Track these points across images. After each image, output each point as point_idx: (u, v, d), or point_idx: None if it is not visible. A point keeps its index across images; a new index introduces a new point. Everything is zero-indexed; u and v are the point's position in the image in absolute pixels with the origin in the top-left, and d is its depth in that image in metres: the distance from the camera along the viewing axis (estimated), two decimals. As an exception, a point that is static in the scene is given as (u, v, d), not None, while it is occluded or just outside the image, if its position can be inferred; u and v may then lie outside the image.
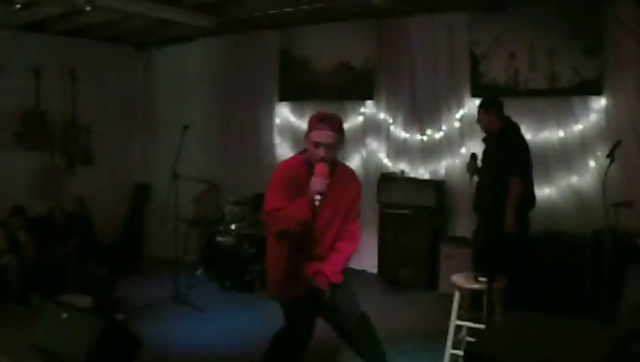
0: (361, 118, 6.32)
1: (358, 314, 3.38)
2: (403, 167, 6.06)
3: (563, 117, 5.17)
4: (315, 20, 6.22)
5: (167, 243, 5.86)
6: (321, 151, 2.98)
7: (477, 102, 5.52)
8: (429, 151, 5.92)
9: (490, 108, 4.58)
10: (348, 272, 3.31)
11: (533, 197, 4.57)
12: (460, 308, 3.84)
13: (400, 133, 6.10)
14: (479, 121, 4.67)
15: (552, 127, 5.22)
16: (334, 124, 3.04)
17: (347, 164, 3.77)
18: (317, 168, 2.95)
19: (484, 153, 4.69)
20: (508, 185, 4.34)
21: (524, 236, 4.49)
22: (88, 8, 5.06)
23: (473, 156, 4.65)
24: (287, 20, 6.24)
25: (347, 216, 3.22)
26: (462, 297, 3.85)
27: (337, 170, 3.18)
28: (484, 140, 4.72)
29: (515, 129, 4.58)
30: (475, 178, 4.64)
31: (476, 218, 4.80)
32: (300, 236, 3.07)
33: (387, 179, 5.93)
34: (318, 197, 2.91)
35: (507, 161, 4.39)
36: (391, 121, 6.14)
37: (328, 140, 2.99)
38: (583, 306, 4.56)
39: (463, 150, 5.68)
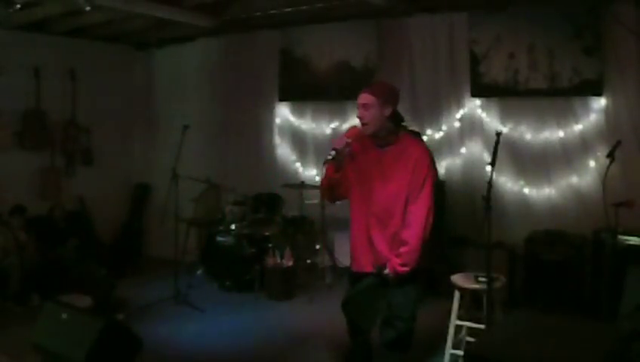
0: (361, 118, 6.32)
1: (405, 323, 3.18)
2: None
3: (563, 117, 5.17)
4: (315, 20, 6.21)
5: (167, 243, 5.86)
6: (359, 112, 3.09)
7: (477, 102, 5.56)
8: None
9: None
10: (416, 277, 3.13)
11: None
12: (460, 308, 3.84)
13: (400, 133, 6.09)
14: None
15: (552, 127, 5.22)
16: (373, 88, 3.13)
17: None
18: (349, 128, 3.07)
19: None
20: None
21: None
22: (88, 8, 5.05)
23: None
24: (287, 20, 6.24)
25: (410, 192, 3.06)
26: (462, 297, 3.85)
27: (399, 141, 3.14)
28: None
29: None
30: None
31: None
32: (358, 211, 3.18)
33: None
34: (332, 152, 3.01)
35: None
36: (391, 121, 6.14)
37: (363, 101, 3.07)
38: (583, 306, 4.56)
39: (463, 150, 5.68)
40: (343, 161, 3.10)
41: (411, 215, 3.06)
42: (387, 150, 3.14)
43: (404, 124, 3.26)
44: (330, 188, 3.23)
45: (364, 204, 3.18)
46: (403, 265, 3.03)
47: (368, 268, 3.17)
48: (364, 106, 3.07)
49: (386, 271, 3.06)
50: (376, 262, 3.13)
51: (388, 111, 3.07)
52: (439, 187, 5.69)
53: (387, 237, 3.13)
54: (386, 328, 3.23)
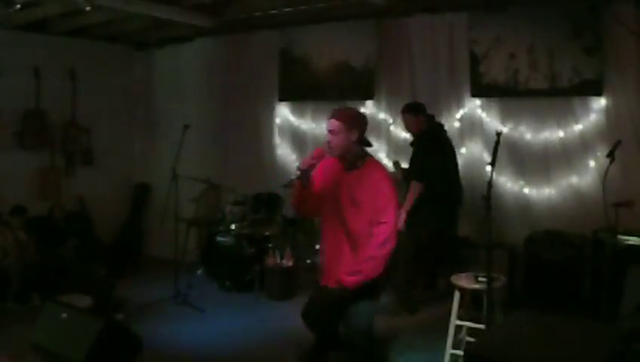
0: (361, 118, 6.32)
1: (362, 334, 3.33)
2: (403, 167, 6.05)
3: (563, 117, 5.16)
4: (315, 20, 6.21)
5: (167, 243, 5.86)
6: (327, 137, 3.26)
7: (477, 102, 5.56)
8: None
9: (420, 113, 5.05)
10: (373, 293, 3.29)
11: (456, 195, 5.08)
12: (459, 308, 3.84)
13: (400, 133, 6.09)
14: (411, 126, 5.12)
15: (552, 127, 5.22)
16: (340, 114, 3.29)
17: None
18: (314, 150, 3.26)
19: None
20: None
21: (446, 232, 4.98)
22: (88, 8, 5.05)
23: (396, 163, 5.47)
24: (287, 20, 6.24)
25: (374, 215, 3.20)
26: (462, 297, 3.85)
27: (365, 166, 3.30)
28: (412, 145, 5.16)
29: (432, 135, 5.04)
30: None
31: None
32: (328, 228, 3.40)
33: (387, 179, 5.93)
34: (297, 173, 3.22)
35: (412, 166, 4.99)
36: (391, 121, 6.14)
37: (330, 127, 3.25)
38: (583, 306, 4.56)
39: (463, 150, 5.67)
40: (309, 181, 3.27)
41: (375, 237, 3.19)
42: (353, 173, 3.29)
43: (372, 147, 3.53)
44: (299, 205, 3.43)
45: (334, 222, 3.36)
46: (356, 279, 3.17)
47: (333, 285, 3.29)
48: (332, 132, 3.24)
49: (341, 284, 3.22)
50: (340, 279, 3.25)
51: (354, 137, 3.24)
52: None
53: (353, 256, 3.26)
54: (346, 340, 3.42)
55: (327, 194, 3.34)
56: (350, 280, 3.17)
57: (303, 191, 3.29)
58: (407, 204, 4.79)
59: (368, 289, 3.22)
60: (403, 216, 4.66)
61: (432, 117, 5.21)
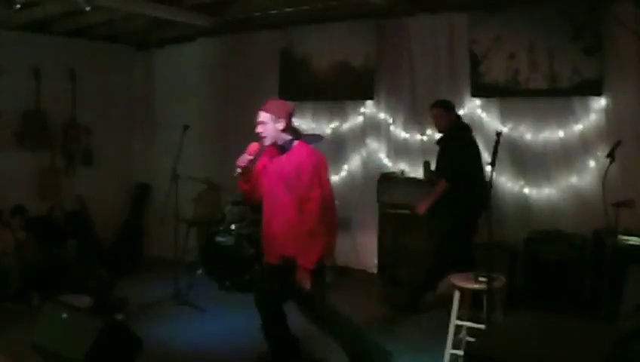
0: (361, 118, 6.32)
1: (316, 309, 3.70)
2: (403, 167, 6.06)
3: (563, 117, 5.17)
4: (315, 20, 6.22)
5: (167, 243, 5.86)
6: (257, 128, 3.63)
7: (477, 102, 5.56)
8: (429, 152, 5.90)
9: (451, 110, 4.97)
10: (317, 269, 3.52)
11: (480, 203, 4.54)
12: (460, 308, 3.84)
13: (400, 133, 6.10)
14: (439, 122, 4.99)
15: (552, 127, 5.22)
16: (267, 106, 3.67)
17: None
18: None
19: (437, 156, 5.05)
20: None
21: (464, 243, 4.75)
22: (88, 8, 5.06)
23: (426, 164, 5.34)
24: (287, 20, 6.24)
25: (301, 193, 3.49)
26: (462, 297, 3.85)
27: (293, 149, 3.62)
28: (438, 143, 5.06)
29: (463, 131, 4.93)
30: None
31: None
32: (265, 208, 3.68)
33: (387, 179, 5.93)
34: (238, 170, 3.58)
35: (441, 164, 4.90)
36: (391, 121, 6.14)
37: (259, 118, 3.63)
38: (583, 306, 4.56)
39: (463, 150, 5.68)
40: (250, 175, 3.65)
41: (306, 214, 3.47)
42: (283, 157, 3.63)
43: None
44: (247, 196, 3.81)
45: (270, 202, 3.66)
46: (308, 262, 3.46)
47: (275, 260, 3.66)
48: (261, 123, 3.61)
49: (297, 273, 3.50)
50: (279, 253, 3.61)
51: (281, 125, 3.57)
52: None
53: (289, 232, 3.54)
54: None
55: (269, 179, 3.65)
56: (288, 253, 3.51)
57: (246, 186, 3.66)
58: (431, 198, 4.78)
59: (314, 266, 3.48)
60: (424, 206, 4.79)
61: (460, 117, 5.14)
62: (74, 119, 6.78)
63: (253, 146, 3.62)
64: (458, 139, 4.87)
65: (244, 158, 3.58)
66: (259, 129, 3.61)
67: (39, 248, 5.74)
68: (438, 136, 5.83)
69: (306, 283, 3.49)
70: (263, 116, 3.61)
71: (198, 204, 6.70)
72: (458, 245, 4.71)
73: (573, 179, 5.16)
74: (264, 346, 4.13)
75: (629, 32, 4.75)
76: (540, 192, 5.30)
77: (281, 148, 3.64)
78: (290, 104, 3.77)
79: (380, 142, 6.23)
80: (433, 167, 5.15)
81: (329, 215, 3.55)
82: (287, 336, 3.95)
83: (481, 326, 3.72)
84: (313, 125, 6.61)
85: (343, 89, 6.29)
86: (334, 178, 6.54)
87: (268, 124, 3.59)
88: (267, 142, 3.62)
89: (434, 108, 4.99)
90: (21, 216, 5.73)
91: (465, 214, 4.74)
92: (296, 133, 3.68)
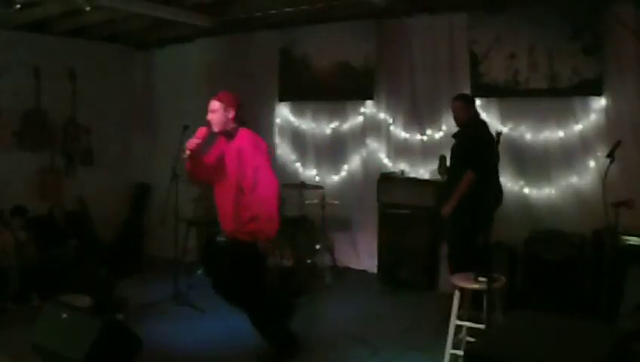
0: (361, 118, 6.33)
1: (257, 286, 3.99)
2: (403, 167, 6.06)
3: (563, 117, 5.17)
4: (315, 20, 6.22)
5: (167, 243, 5.86)
6: (208, 116, 3.91)
7: (477, 102, 5.54)
8: (429, 151, 5.92)
9: (472, 104, 4.89)
10: (245, 246, 3.86)
11: (497, 197, 4.73)
12: (460, 308, 3.84)
13: (400, 133, 6.10)
14: (459, 115, 4.86)
15: (552, 127, 5.22)
16: (219, 96, 3.94)
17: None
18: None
19: (452, 150, 4.94)
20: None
21: (477, 236, 4.63)
22: (88, 8, 5.06)
23: (442, 158, 5.09)
24: (287, 20, 6.24)
25: (243, 176, 3.81)
26: (462, 297, 3.85)
27: (238, 135, 3.93)
28: (455, 136, 4.93)
29: (480, 126, 4.83)
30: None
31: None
32: (219, 189, 3.98)
33: (387, 179, 5.93)
34: (188, 152, 3.78)
35: (464, 157, 4.71)
36: (391, 121, 6.15)
37: (211, 107, 3.91)
38: (583, 306, 4.56)
39: (463, 150, 5.68)
40: (198, 157, 3.89)
41: (250, 196, 3.80)
42: (230, 143, 3.95)
43: None
44: (191, 176, 4.01)
45: (220, 184, 3.97)
46: (235, 229, 3.85)
47: (225, 235, 4.03)
48: (212, 111, 3.90)
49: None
50: (225, 229, 3.98)
51: (230, 114, 3.90)
52: (440, 187, 5.73)
53: (235, 211, 3.87)
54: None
55: (220, 162, 3.95)
56: (232, 231, 3.87)
57: (194, 168, 3.90)
58: (458, 194, 4.61)
59: (250, 243, 3.81)
60: (451, 204, 4.65)
61: (478, 113, 5.05)
62: (74, 119, 6.78)
63: (202, 131, 3.86)
64: (480, 132, 4.75)
65: (193, 141, 3.81)
66: (210, 116, 3.91)
67: (39, 248, 5.74)
68: (437, 135, 5.87)
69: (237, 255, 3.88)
70: (214, 105, 3.92)
71: (198, 203, 6.70)
72: (478, 242, 4.58)
73: (573, 179, 5.16)
74: (264, 346, 4.13)
75: (629, 32, 4.76)
76: (540, 192, 5.30)
77: (229, 136, 3.95)
78: (238, 97, 4.07)
79: (380, 142, 6.23)
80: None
81: (268, 200, 3.78)
82: (275, 326, 4.12)
83: (481, 326, 3.72)
84: (313, 125, 6.62)
85: (343, 89, 6.30)
86: (334, 178, 6.55)
87: (218, 112, 3.89)
88: (216, 128, 3.92)
89: (456, 100, 4.89)
90: (21, 216, 5.73)
91: (487, 209, 4.48)
92: (242, 122, 4.00)
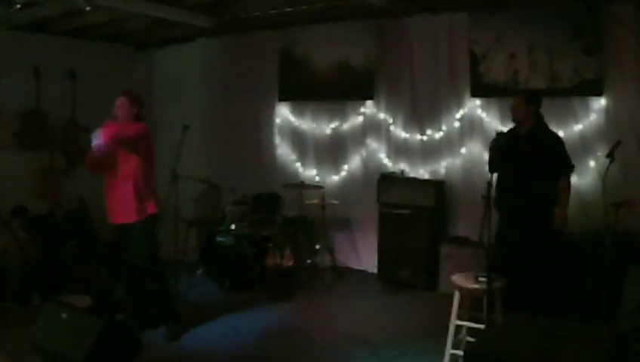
0: (361, 118, 6.33)
1: (143, 257, 4.39)
2: (403, 167, 6.06)
3: (563, 117, 5.17)
4: (315, 20, 6.22)
5: (167, 243, 5.86)
6: (115, 111, 4.37)
7: (477, 102, 5.56)
8: (429, 151, 5.92)
9: (532, 104, 4.41)
10: (148, 222, 4.35)
11: None
12: (460, 308, 3.84)
13: (400, 133, 6.10)
14: (516, 111, 4.44)
15: (552, 127, 5.20)
16: (126, 93, 4.43)
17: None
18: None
19: (510, 148, 4.22)
20: (548, 183, 4.28)
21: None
22: (88, 8, 5.05)
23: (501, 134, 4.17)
24: (287, 20, 6.24)
25: (129, 160, 4.24)
26: (462, 297, 3.85)
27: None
28: (511, 132, 4.49)
29: (548, 127, 4.51)
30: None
31: (504, 214, 4.48)
32: (111, 175, 4.33)
33: (387, 179, 5.94)
34: (94, 142, 4.00)
35: (554, 159, 4.32)
36: (391, 121, 6.15)
37: (118, 103, 4.38)
38: (583, 306, 4.56)
39: (463, 150, 5.68)
40: (105, 148, 4.12)
41: (131, 178, 4.26)
42: None
43: None
44: (94, 166, 4.34)
45: (112, 171, 4.31)
46: (126, 211, 4.29)
47: (119, 220, 4.38)
48: (119, 106, 4.35)
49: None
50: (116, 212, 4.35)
51: (135, 110, 4.37)
52: (439, 187, 5.74)
53: (125, 195, 4.28)
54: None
55: (114, 152, 4.25)
56: (121, 214, 4.28)
57: (100, 157, 4.17)
58: (566, 204, 4.29)
59: (143, 221, 4.30)
60: (565, 216, 4.28)
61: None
62: (74, 119, 6.77)
63: (107, 124, 4.18)
64: (553, 132, 4.52)
65: (98, 133, 4.05)
66: (116, 112, 4.34)
67: (39, 248, 5.73)
68: (437, 135, 5.87)
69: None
70: (121, 101, 4.36)
71: (198, 203, 6.70)
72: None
73: (573, 179, 5.14)
74: (264, 346, 4.13)
75: (629, 32, 4.76)
76: (540, 192, 5.29)
77: None
78: (142, 96, 4.54)
79: (380, 142, 6.23)
80: None
81: (145, 174, 4.31)
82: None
83: (481, 326, 3.72)
84: (313, 125, 6.62)
85: (343, 89, 6.30)
86: (334, 178, 6.55)
87: (124, 108, 4.34)
88: (121, 121, 4.31)
89: (517, 97, 4.51)
90: (21, 216, 5.73)
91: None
92: (140, 119, 4.42)
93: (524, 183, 4.31)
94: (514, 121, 4.49)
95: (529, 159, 4.32)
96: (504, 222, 4.44)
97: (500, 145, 4.00)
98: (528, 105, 4.39)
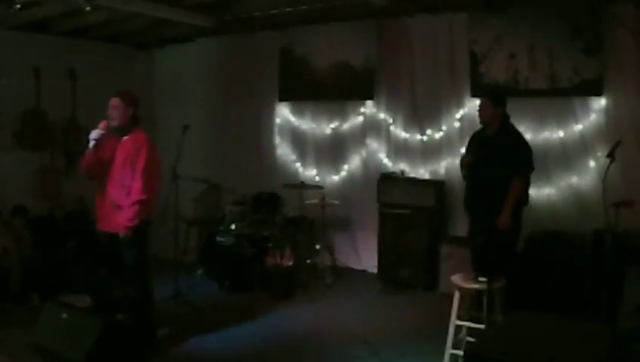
0: (361, 118, 6.33)
1: (131, 267, 4.20)
2: (403, 167, 6.06)
3: (563, 117, 5.17)
4: (315, 20, 6.22)
5: (167, 243, 5.86)
6: (109, 112, 4.15)
7: (477, 102, 5.54)
8: (429, 151, 5.92)
9: (499, 105, 4.49)
10: (139, 234, 4.11)
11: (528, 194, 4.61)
12: (459, 308, 3.84)
13: (400, 133, 6.10)
14: (484, 113, 4.53)
15: (552, 127, 5.22)
16: (120, 94, 4.20)
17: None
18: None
19: (478, 148, 4.59)
20: (510, 183, 4.33)
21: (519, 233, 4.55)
22: (88, 8, 5.05)
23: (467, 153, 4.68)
24: (287, 20, 6.24)
25: (132, 173, 4.05)
26: (462, 297, 3.85)
27: (132, 135, 4.18)
28: (479, 134, 4.66)
29: (514, 128, 4.58)
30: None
31: (471, 217, 4.70)
32: (104, 183, 4.15)
33: (387, 179, 5.93)
34: (92, 142, 4.01)
35: (512, 160, 4.37)
36: (391, 121, 6.15)
37: (113, 103, 4.16)
38: (583, 306, 4.56)
39: (463, 150, 5.67)
40: (100, 148, 4.10)
41: (132, 189, 4.04)
42: (124, 140, 4.16)
43: None
44: (90, 170, 4.18)
45: (105, 179, 4.16)
46: (125, 225, 4.02)
47: (106, 228, 4.19)
48: (114, 107, 4.14)
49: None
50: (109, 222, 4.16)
51: (130, 111, 4.18)
52: (439, 187, 5.74)
53: (114, 204, 4.11)
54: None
55: (107, 156, 4.14)
56: (116, 224, 4.05)
57: (95, 156, 4.08)
58: (511, 206, 4.29)
59: (132, 236, 4.04)
60: (508, 218, 4.27)
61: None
62: (74, 119, 6.78)
63: (104, 123, 4.09)
64: (517, 133, 4.53)
65: (97, 132, 4.03)
66: (110, 112, 4.13)
67: (39, 248, 5.73)
68: (437, 135, 5.87)
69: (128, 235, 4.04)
70: (116, 102, 4.15)
71: (198, 203, 6.70)
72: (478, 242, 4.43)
73: (573, 179, 5.16)
74: (264, 346, 4.13)
75: (629, 32, 4.76)
76: (540, 192, 5.30)
77: (121, 132, 4.15)
78: (137, 97, 4.34)
79: (379, 142, 6.23)
80: None
81: (149, 195, 4.11)
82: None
83: (481, 326, 3.72)
84: (313, 125, 6.62)
85: (343, 89, 6.30)
86: (334, 178, 6.55)
87: (120, 109, 4.13)
88: (116, 123, 4.12)
89: (483, 99, 4.62)
90: (22, 216, 5.73)
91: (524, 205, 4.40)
92: (136, 120, 4.25)
93: (489, 184, 4.39)
94: (481, 123, 4.59)
95: (493, 160, 4.39)
96: (471, 224, 4.63)
97: (465, 163, 4.52)
98: (495, 107, 4.48)
